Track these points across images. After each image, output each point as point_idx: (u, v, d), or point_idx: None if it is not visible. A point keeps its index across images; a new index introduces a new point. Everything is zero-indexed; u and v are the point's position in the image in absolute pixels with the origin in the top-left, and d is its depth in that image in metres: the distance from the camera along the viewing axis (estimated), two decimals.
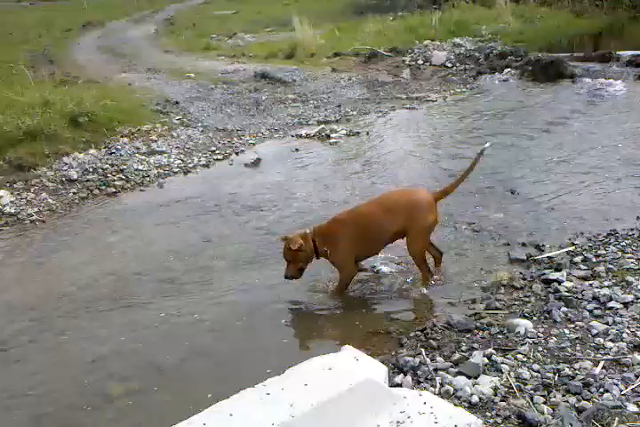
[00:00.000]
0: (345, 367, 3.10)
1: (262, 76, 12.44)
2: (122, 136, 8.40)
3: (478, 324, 3.86)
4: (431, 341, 3.74)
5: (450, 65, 12.70)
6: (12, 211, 6.33)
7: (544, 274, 4.40)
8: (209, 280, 4.89)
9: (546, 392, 3.08)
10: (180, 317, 4.37)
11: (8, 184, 6.84)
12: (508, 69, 11.74)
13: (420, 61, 13.06)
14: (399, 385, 3.30)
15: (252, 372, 3.53)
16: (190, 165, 7.80)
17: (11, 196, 6.59)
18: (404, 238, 4.39)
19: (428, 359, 3.49)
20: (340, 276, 4.43)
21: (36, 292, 4.89)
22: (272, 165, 7.83)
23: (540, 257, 4.73)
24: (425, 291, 4.40)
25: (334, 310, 4.34)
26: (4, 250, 5.72)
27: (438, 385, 3.25)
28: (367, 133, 8.88)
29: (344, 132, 8.94)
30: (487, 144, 4.62)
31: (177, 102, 10.51)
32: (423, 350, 3.61)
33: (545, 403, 2.99)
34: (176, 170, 7.67)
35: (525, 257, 4.76)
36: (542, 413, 2.91)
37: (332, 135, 8.81)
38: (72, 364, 3.89)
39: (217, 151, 8.33)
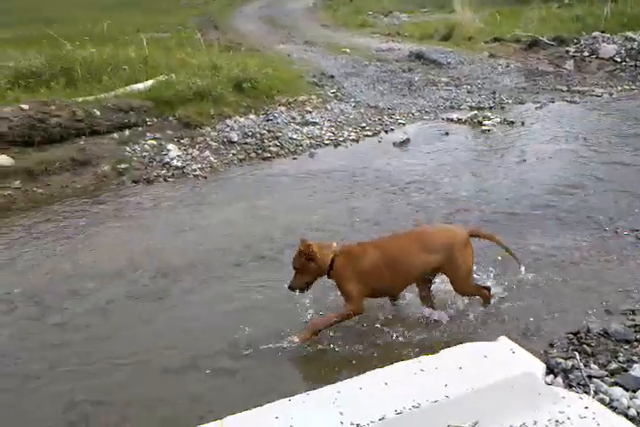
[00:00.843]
0: (501, 358, 3.08)
1: (417, 57, 12.31)
2: (279, 105, 8.72)
3: (639, 336, 3.65)
4: (585, 346, 3.59)
5: (619, 59, 11.78)
6: (179, 164, 6.84)
7: None
8: None
9: None
10: None
11: (176, 139, 7.38)
12: None
13: (586, 53, 12.23)
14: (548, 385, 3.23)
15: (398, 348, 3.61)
16: (341, 139, 7.96)
17: (178, 150, 7.11)
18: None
19: (581, 364, 3.38)
20: (343, 308, 3.77)
21: (191, 239, 5.27)
22: (421, 146, 7.78)
23: None
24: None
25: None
26: (170, 198, 6.20)
27: (592, 393, 3.14)
28: (522, 124, 8.53)
29: (497, 120, 8.66)
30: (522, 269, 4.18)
31: (332, 76, 10.70)
32: (577, 353, 3.49)
33: None
34: (327, 142, 7.87)
35: None
36: None
37: (484, 122, 8.57)
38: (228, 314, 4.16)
39: (367, 127, 8.42)
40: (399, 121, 8.77)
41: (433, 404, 2.72)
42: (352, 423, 2.62)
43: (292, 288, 3.76)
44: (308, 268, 3.70)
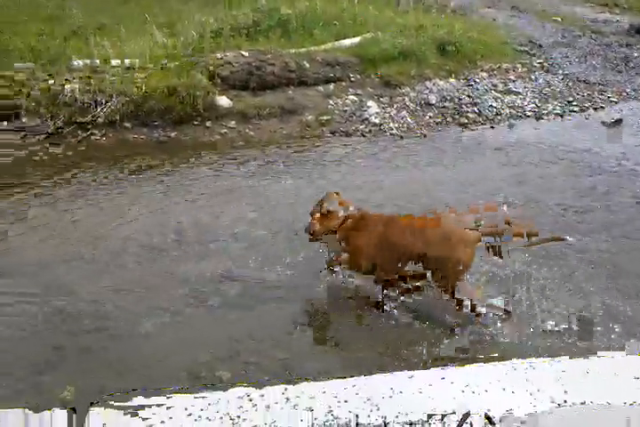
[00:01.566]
0: None
1: (637, 31, 11.12)
2: (481, 70, 8.45)
3: None
4: None
5: None
6: (377, 121, 6.98)
7: None
8: None
9: None
10: None
11: (376, 97, 7.49)
12: None
13: None
14: None
15: None
16: (544, 112, 7.57)
17: (377, 108, 7.24)
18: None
19: None
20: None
21: (374, 196, 5.26)
22: (636, 129, 7.14)
23: None
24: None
25: None
26: (365, 154, 6.38)
27: None
28: None
29: None
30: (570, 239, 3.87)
31: (540, 45, 10.07)
32: None
33: None
34: (528, 113, 7.53)
35: None
36: None
37: None
38: None
39: (574, 102, 7.89)
40: (611, 99, 8.10)
41: None
42: (574, 404, 2.55)
43: (306, 231, 3.80)
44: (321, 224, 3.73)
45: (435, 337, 3.55)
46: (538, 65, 9.11)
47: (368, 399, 2.59)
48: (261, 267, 4.20)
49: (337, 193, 3.84)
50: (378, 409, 2.51)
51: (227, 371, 3.31)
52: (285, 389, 2.63)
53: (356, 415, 2.50)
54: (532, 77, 8.57)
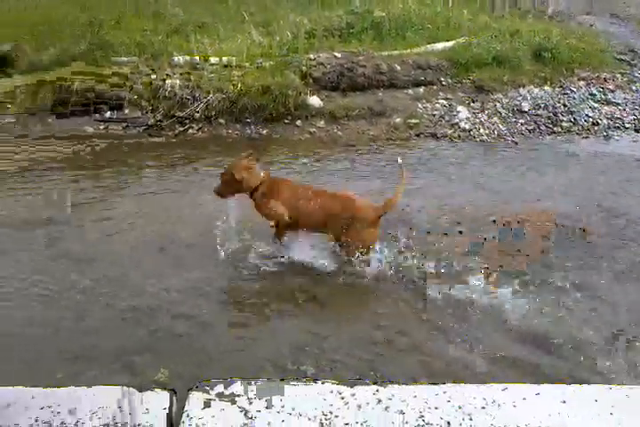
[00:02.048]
0: None
1: None
2: (579, 79, 8.16)
3: None
4: None
5: None
6: (467, 127, 6.89)
7: None
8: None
9: None
10: None
11: (467, 102, 7.39)
12: None
13: None
14: None
15: None
16: None
17: (467, 113, 7.13)
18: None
19: None
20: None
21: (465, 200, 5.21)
22: None
23: None
24: None
25: None
26: (454, 159, 6.30)
27: None
28: None
29: None
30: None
31: None
32: None
33: None
34: (627, 125, 7.23)
35: None
36: None
37: None
38: None
39: None
40: None
41: None
42: None
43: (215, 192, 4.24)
44: (229, 182, 4.12)
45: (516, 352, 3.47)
46: (639, 75, 8.70)
47: (460, 408, 2.56)
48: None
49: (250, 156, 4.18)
50: (470, 419, 2.48)
51: (312, 366, 3.36)
52: (377, 390, 2.63)
53: (448, 422, 2.48)
54: (633, 88, 8.19)
